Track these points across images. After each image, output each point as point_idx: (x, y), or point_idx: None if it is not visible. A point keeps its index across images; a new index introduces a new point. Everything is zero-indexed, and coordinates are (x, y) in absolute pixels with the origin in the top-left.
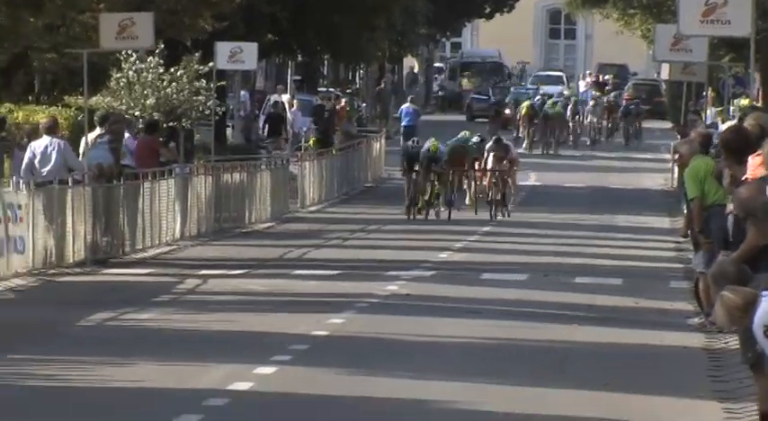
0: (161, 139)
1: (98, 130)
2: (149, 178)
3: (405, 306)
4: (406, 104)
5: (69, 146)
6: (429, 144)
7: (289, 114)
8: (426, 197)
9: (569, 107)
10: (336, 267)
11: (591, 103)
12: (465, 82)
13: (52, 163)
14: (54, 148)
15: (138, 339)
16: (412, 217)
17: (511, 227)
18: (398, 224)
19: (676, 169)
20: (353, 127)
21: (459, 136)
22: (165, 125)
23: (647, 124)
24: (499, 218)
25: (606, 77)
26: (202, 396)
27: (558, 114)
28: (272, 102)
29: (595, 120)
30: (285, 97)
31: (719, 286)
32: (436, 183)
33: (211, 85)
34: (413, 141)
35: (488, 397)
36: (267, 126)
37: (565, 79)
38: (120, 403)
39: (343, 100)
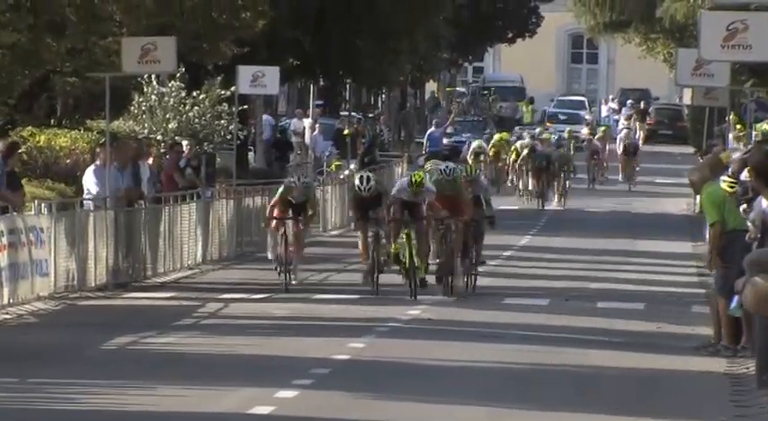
0: (179, 164)
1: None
2: (171, 202)
3: (426, 330)
4: (432, 128)
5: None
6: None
7: (308, 139)
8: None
9: (594, 137)
10: (358, 292)
11: (621, 131)
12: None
13: None
14: None
15: (158, 363)
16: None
17: (533, 251)
18: None
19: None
20: (375, 151)
21: (443, 167)
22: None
23: (669, 149)
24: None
25: (630, 103)
26: (224, 420)
27: (563, 157)
28: (291, 126)
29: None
30: (307, 122)
31: (753, 272)
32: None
33: (233, 110)
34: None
35: None
36: (274, 152)
37: (587, 104)
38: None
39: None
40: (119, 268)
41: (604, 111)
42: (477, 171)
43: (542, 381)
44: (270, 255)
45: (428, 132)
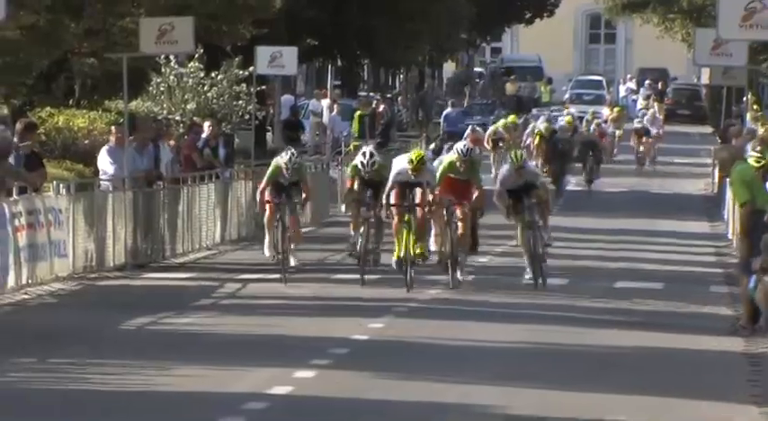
0: (197, 145)
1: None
2: (189, 183)
3: (445, 310)
4: (449, 108)
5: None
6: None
7: (326, 119)
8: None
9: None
10: (376, 271)
11: (641, 112)
12: (509, 86)
13: None
14: None
15: (177, 343)
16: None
17: (551, 231)
18: None
19: (717, 174)
20: (393, 131)
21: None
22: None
23: (687, 128)
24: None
25: (648, 83)
26: (242, 400)
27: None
28: (309, 107)
29: (655, 131)
30: (325, 102)
31: None
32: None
33: (251, 90)
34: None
35: (526, 401)
36: (285, 133)
37: (605, 84)
38: (160, 407)
39: (382, 106)
40: (137, 248)
41: (622, 91)
42: (523, 157)
43: (560, 361)
44: (266, 252)
45: (445, 113)
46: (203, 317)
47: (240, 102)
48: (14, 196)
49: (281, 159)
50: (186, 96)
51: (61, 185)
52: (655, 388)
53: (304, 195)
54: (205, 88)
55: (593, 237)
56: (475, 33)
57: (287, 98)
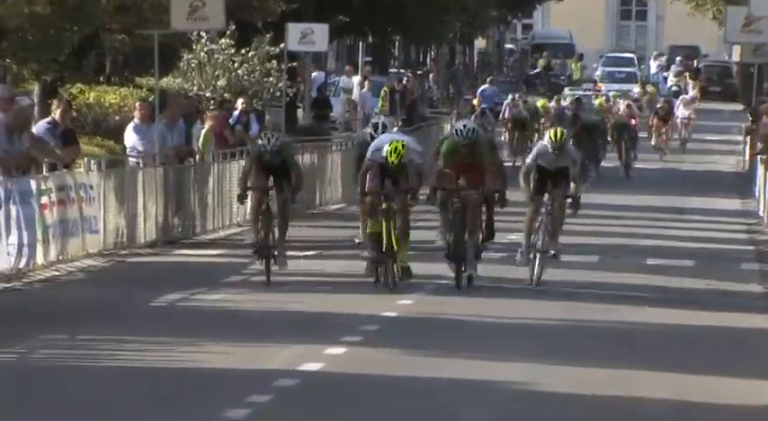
0: (229, 122)
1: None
2: (220, 159)
3: (475, 287)
4: (485, 85)
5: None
6: (386, 146)
7: (356, 95)
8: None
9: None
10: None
11: (671, 88)
12: (541, 62)
13: None
14: None
15: (208, 320)
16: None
17: (583, 208)
18: None
19: (747, 151)
20: (425, 108)
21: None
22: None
23: (718, 106)
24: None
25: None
26: (273, 376)
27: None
28: (340, 84)
29: (687, 114)
30: (356, 79)
31: None
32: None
33: (282, 67)
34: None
35: (557, 377)
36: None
37: (635, 61)
38: (191, 384)
39: (409, 82)
40: (168, 225)
41: (653, 68)
42: (564, 135)
43: (590, 338)
44: (249, 239)
45: (481, 88)
46: (234, 294)
47: (271, 78)
48: (44, 172)
49: (260, 141)
50: (217, 73)
51: (92, 162)
52: (685, 365)
53: (294, 180)
54: (236, 65)
55: (624, 214)
56: (505, 10)
57: (317, 75)
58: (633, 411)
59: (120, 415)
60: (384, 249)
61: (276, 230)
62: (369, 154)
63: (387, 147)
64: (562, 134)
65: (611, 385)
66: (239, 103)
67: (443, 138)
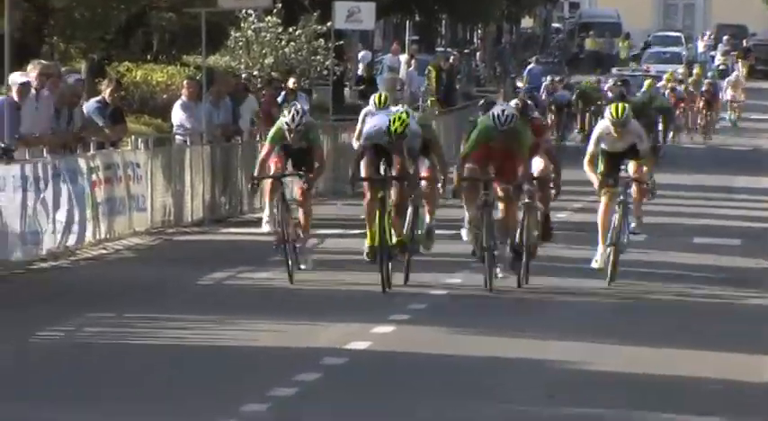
0: (277, 100)
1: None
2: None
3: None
4: (532, 64)
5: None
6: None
7: (404, 74)
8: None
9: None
10: (456, 227)
11: (719, 67)
12: (589, 42)
13: None
14: None
15: (255, 298)
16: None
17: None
18: None
19: None
20: (471, 87)
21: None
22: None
23: (765, 85)
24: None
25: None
26: (320, 355)
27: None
28: (387, 62)
29: (734, 95)
30: (402, 57)
31: None
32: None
33: (329, 45)
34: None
35: (608, 357)
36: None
37: (683, 40)
38: (239, 362)
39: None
40: (215, 203)
41: (701, 47)
42: (625, 110)
43: (639, 317)
44: (266, 227)
45: (528, 67)
46: (281, 273)
47: (318, 57)
48: (92, 151)
49: (283, 119)
50: (264, 51)
51: (139, 140)
52: (733, 344)
53: (317, 164)
54: (283, 43)
55: (671, 193)
56: None
57: (364, 54)
58: (680, 391)
59: (167, 393)
60: (376, 244)
61: (299, 220)
62: (363, 137)
63: (392, 121)
64: (624, 108)
65: (661, 364)
66: (290, 82)
67: (473, 121)
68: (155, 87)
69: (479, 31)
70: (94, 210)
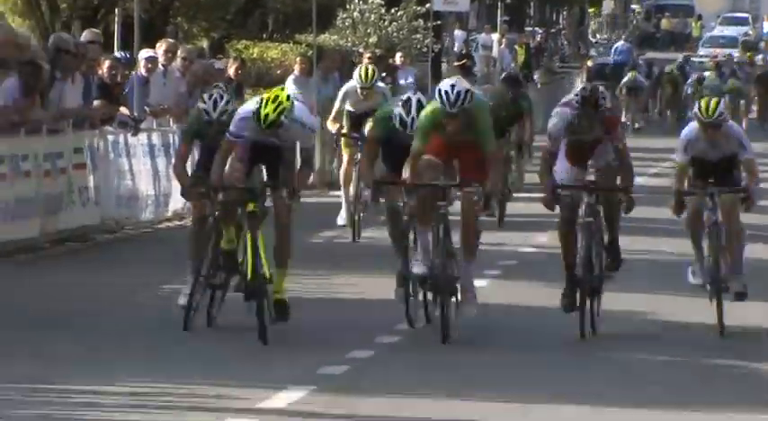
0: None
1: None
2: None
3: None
4: (620, 42)
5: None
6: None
7: (496, 52)
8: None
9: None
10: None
11: None
12: (665, 22)
13: None
14: None
15: (362, 255)
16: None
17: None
18: None
19: None
20: (555, 64)
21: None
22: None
23: None
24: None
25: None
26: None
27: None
28: (480, 41)
29: None
30: (495, 36)
31: None
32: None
33: (428, 25)
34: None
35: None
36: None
37: (750, 20)
38: (345, 312)
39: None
40: (325, 170)
41: (766, 27)
42: (718, 107)
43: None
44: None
45: (615, 45)
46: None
47: (418, 35)
48: None
49: (202, 105)
50: (369, 30)
51: None
52: None
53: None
54: (385, 23)
55: None
56: None
57: (460, 33)
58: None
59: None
60: (249, 278)
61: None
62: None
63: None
64: (716, 105)
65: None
66: (398, 57)
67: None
68: (270, 64)
69: (565, 13)
70: None
